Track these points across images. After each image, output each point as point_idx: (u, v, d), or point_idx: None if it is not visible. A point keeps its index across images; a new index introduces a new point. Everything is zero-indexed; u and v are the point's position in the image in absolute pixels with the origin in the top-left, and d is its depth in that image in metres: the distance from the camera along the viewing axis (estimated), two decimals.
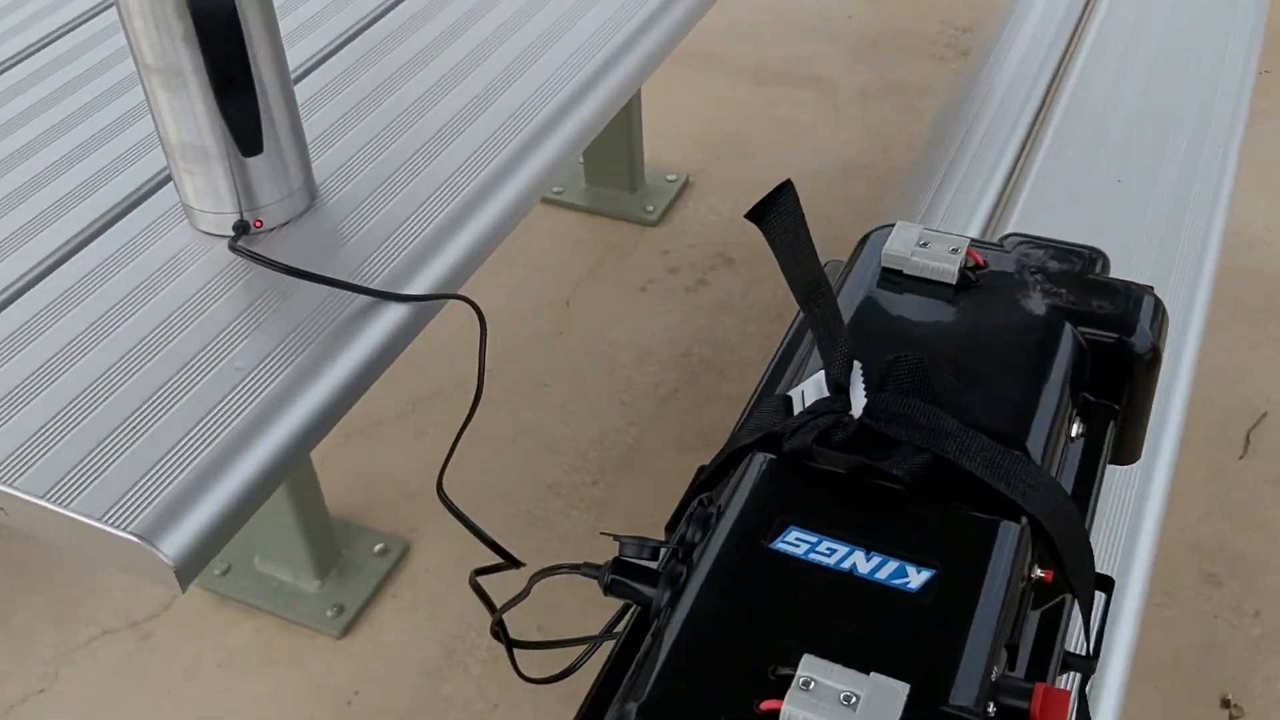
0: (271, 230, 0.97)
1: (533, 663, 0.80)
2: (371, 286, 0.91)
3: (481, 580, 0.83)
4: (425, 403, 1.99)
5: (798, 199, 0.77)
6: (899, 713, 0.60)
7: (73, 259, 0.99)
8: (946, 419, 0.73)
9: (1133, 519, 1.09)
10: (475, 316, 0.92)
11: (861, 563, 0.69)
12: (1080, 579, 0.74)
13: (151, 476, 0.75)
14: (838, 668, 0.62)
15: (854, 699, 0.60)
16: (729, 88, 2.73)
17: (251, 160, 0.93)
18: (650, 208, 2.32)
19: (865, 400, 0.74)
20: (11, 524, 0.80)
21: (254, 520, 1.59)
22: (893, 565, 0.68)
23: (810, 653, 0.63)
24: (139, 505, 0.72)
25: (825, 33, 2.91)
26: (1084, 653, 0.76)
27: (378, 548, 1.73)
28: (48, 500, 0.73)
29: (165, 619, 1.71)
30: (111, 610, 1.72)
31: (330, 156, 1.09)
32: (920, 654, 0.64)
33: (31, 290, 0.96)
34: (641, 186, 2.35)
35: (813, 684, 0.61)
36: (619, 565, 0.73)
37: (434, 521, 1.78)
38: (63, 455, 0.77)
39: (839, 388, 0.75)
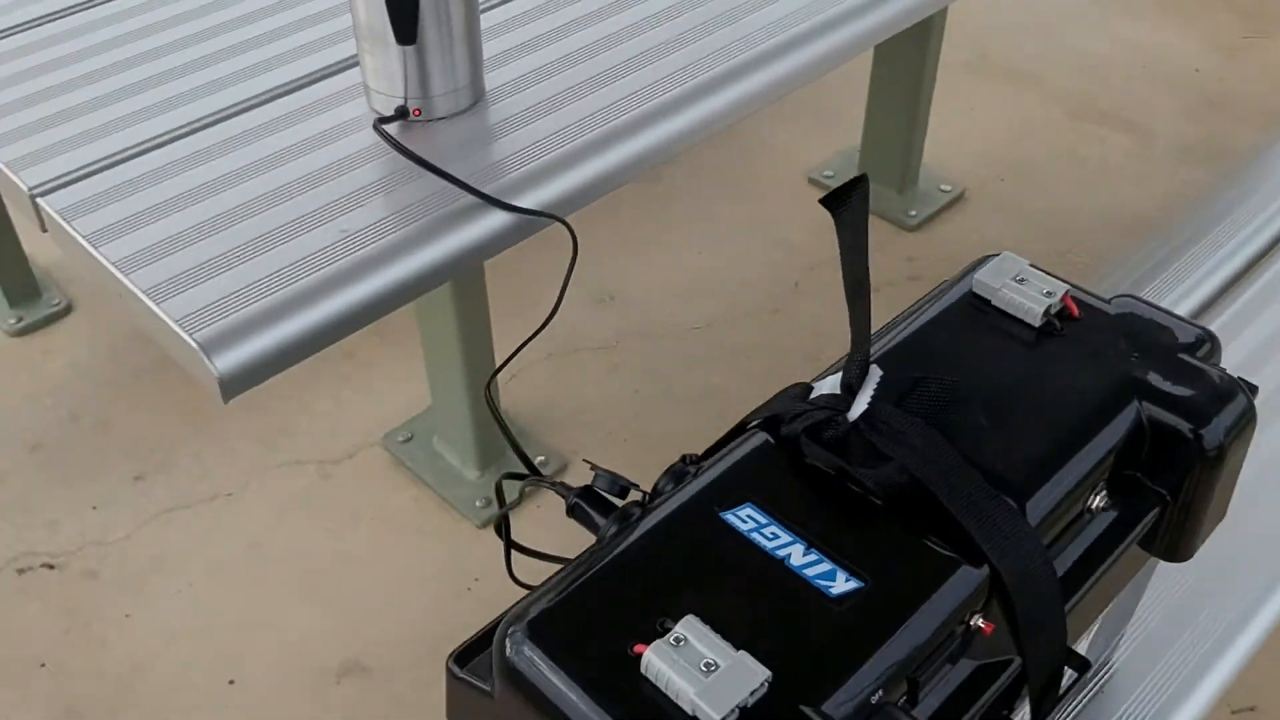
0: (427, 121, 1.06)
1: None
2: (483, 190, 0.99)
3: (527, 489, 0.88)
4: (628, 340, 2.06)
5: (868, 197, 0.76)
6: (746, 693, 0.61)
7: (257, 109, 1.14)
8: (943, 447, 0.72)
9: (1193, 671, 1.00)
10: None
11: (797, 555, 0.69)
12: (1034, 647, 0.71)
13: (235, 298, 0.86)
14: (714, 636, 0.63)
15: (713, 667, 0.62)
16: (1038, 113, 2.62)
17: (423, 52, 1.01)
18: (913, 212, 2.28)
19: (866, 407, 0.73)
20: (130, 313, 0.93)
21: (439, 404, 1.72)
22: (825, 566, 0.69)
23: (700, 616, 0.65)
24: (212, 319, 0.83)
25: (1165, 80, 2.72)
26: None
27: (539, 459, 1.83)
28: (147, 295, 0.85)
29: (346, 465, 1.88)
30: (307, 446, 1.91)
31: (506, 70, 1.18)
32: (803, 652, 0.65)
33: (215, 126, 1.11)
34: (911, 190, 2.31)
35: (684, 642, 0.63)
36: (586, 492, 0.77)
37: (598, 449, 1.86)
38: (176, 261, 0.90)
39: (848, 389, 0.75)
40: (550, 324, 0.95)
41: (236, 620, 1.66)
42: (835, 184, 2.38)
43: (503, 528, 0.85)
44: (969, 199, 2.36)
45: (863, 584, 0.68)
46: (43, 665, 1.63)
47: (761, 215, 2.34)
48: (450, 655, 0.71)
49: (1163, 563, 1.05)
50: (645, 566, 0.70)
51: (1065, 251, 2.24)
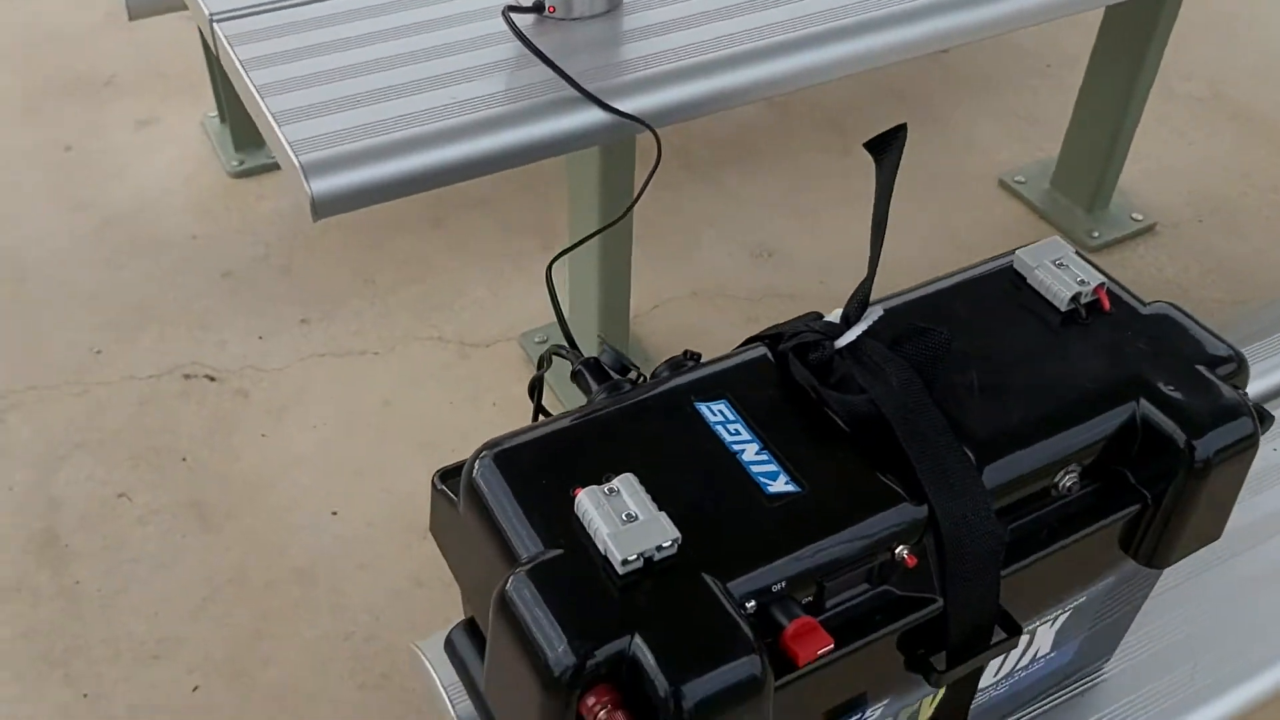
0: (561, 19, 1.14)
1: None
2: (587, 88, 1.06)
3: (553, 355, 0.96)
4: (770, 299, 2.11)
5: (904, 146, 0.80)
6: (653, 546, 0.67)
7: None
8: (916, 390, 0.76)
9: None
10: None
11: (750, 452, 0.75)
12: (958, 595, 0.74)
13: (344, 134, 0.97)
14: (644, 495, 0.70)
15: (633, 518, 0.69)
16: (1261, 160, 2.49)
17: None
18: (1096, 234, 2.23)
19: (854, 339, 0.78)
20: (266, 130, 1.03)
21: (572, 318, 1.80)
22: (771, 467, 0.74)
23: (639, 478, 0.71)
24: (320, 147, 0.94)
25: None
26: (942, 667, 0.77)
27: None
28: (275, 118, 0.97)
29: (483, 351, 2.01)
30: (454, 327, 2.05)
31: None
32: (722, 530, 0.71)
33: None
34: (1100, 211, 2.26)
35: (615, 494, 0.70)
36: (590, 363, 0.85)
37: None
38: (308, 95, 1.03)
39: (845, 320, 0.80)
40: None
41: (354, 463, 1.82)
42: (1025, 191, 2.35)
43: (536, 390, 0.94)
44: (1159, 233, 2.29)
45: (800, 490, 0.73)
46: (184, 459, 1.83)
47: (943, 206, 2.33)
48: (436, 472, 0.80)
49: (1192, 587, 1.06)
50: (612, 429, 0.77)
51: (1244, 301, 2.14)
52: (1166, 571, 1.10)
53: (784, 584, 0.70)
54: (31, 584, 1.66)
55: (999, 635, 0.77)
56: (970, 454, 0.75)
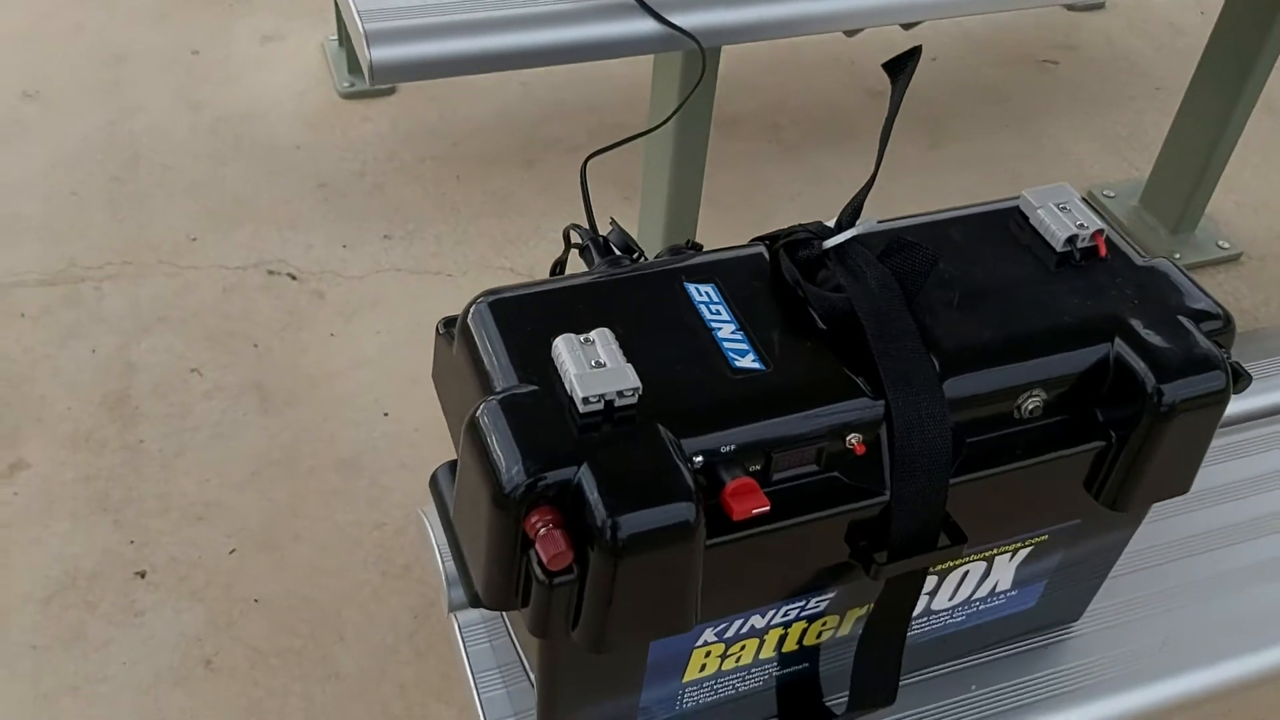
0: None
1: None
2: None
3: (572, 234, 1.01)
4: None
5: (916, 68, 0.84)
6: (614, 391, 0.72)
7: None
8: (893, 296, 0.80)
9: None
10: None
11: (726, 331, 0.80)
12: (904, 493, 0.78)
13: (411, 10, 1.03)
14: (615, 348, 0.75)
15: (600, 365, 0.74)
16: None
17: None
18: (1178, 255, 2.20)
19: (841, 241, 0.82)
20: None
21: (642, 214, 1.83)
22: (742, 345, 0.79)
23: (615, 334, 0.77)
24: (386, 18, 1.01)
25: None
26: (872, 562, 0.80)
27: None
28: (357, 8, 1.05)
29: None
30: (526, 260, 2.13)
31: None
32: (682, 389, 0.76)
33: None
34: (1186, 233, 2.23)
35: (590, 343, 0.76)
36: (596, 239, 0.90)
37: None
38: None
39: (839, 224, 0.84)
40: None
41: (411, 371, 1.90)
42: (1113, 205, 2.33)
43: (558, 270, 0.99)
44: (1245, 264, 2.26)
45: (765, 369, 0.78)
46: (255, 346, 1.93)
47: None
48: (440, 320, 0.87)
49: (1175, 571, 1.07)
50: (601, 294, 0.82)
51: None
52: (1153, 551, 1.12)
53: (733, 448, 0.74)
54: (100, 436, 1.78)
55: (944, 541, 0.81)
56: (935, 363, 0.79)
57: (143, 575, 1.61)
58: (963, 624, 0.97)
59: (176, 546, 1.64)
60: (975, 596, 0.94)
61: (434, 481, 0.88)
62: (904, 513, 0.79)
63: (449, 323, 0.86)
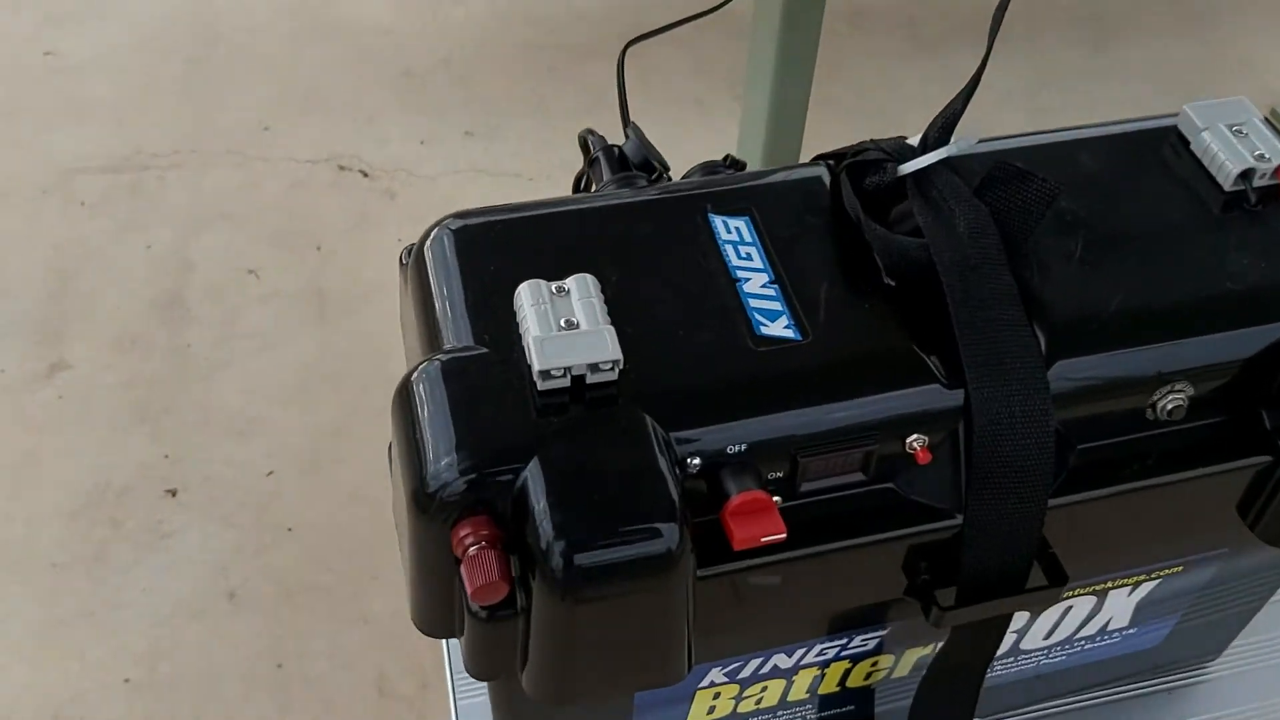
0: None
1: None
2: None
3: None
4: None
5: None
6: (582, 363, 0.53)
7: None
8: (989, 246, 0.58)
9: None
10: None
11: (755, 283, 0.60)
12: (983, 514, 0.57)
13: None
14: (596, 301, 0.56)
15: (572, 326, 0.55)
16: None
17: None
18: None
19: (924, 165, 0.60)
20: None
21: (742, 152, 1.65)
22: (775, 306, 0.59)
23: (601, 281, 0.57)
24: None
25: None
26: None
27: None
28: None
29: None
30: None
31: None
32: (681, 364, 0.56)
33: None
34: None
35: (564, 294, 0.56)
36: (609, 149, 0.71)
37: None
38: None
39: (924, 143, 0.62)
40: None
41: None
42: None
43: (581, 182, 0.80)
44: None
45: (800, 339, 0.57)
46: (318, 248, 1.79)
47: None
48: (405, 247, 0.68)
49: None
50: (598, 224, 0.62)
51: None
52: None
53: (743, 448, 0.54)
54: (147, 339, 1.66)
55: (1037, 581, 0.60)
56: (1041, 339, 0.57)
57: (173, 494, 1.50)
58: (1063, 664, 0.76)
59: (212, 465, 1.53)
60: (1081, 635, 0.73)
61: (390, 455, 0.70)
62: (982, 543, 0.58)
63: (411, 252, 0.68)
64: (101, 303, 1.70)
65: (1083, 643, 0.74)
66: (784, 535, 0.53)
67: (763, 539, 0.53)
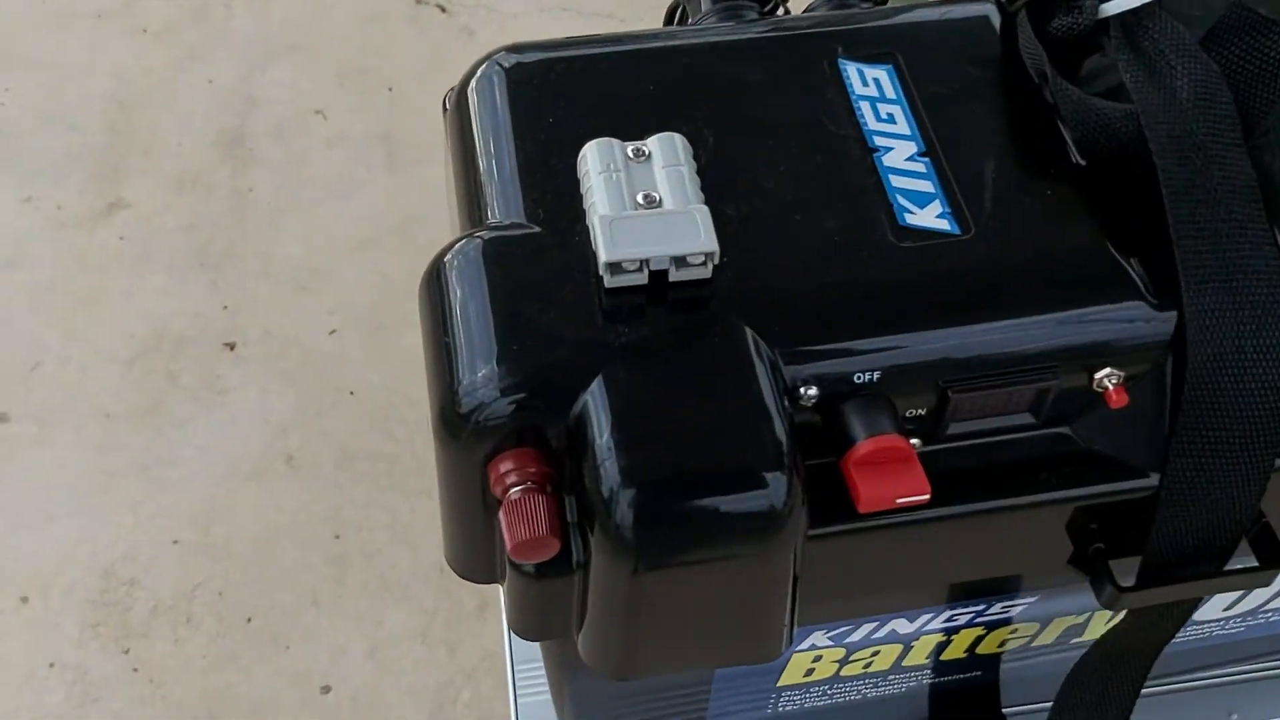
0: None
1: None
2: None
3: None
4: None
5: None
6: (668, 256, 0.40)
7: None
8: (1221, 116, 0.43)
9: None
10: None
11: (898, 156, 0.45)
12: (1187, 474, 0.43)
13: None
14: (686, 171, 0.42)
15: (654, 203, 0.41)
16: None
17: None
18: None
19: (1136, 4, 0.44)
20: None
21: None
22: (925, 186, 0.44)
23: (694, 144, 0.43)
24: None
25: None
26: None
27: None
28: None
29: None
30: None
31: None
32: (799, 262, 0.42)
33: None
34: None
35: (644, 159, 0.43)
36: None
37: None
38: None
39: None
40: None
41: None
42: None
43: (676, 14, 0.66)
44: None
45: (960, 231, 0.43)
46: (390, 89, 1.65)
47: None
48: (450, 89, 0.55)
49: None
50: (691, 66, 0.48)
51: None
52: None
53: (877, 376, 0.41)
54: (209, 180, 1.56)
55: (1244, 560, 0.46)
56: None
57: (232, 347, 1.41)
58: (1239, 634, 0.62)
59: (272, 318, 1.43)
60: (1268, 607, 0.59)
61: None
62: (1182, 511, 0.44)
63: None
64: (163, 138, 1.59)
65: (1266, 615, 0.60)
66: (927, 496, 0.40)
67: (898, 500, 0.40)
